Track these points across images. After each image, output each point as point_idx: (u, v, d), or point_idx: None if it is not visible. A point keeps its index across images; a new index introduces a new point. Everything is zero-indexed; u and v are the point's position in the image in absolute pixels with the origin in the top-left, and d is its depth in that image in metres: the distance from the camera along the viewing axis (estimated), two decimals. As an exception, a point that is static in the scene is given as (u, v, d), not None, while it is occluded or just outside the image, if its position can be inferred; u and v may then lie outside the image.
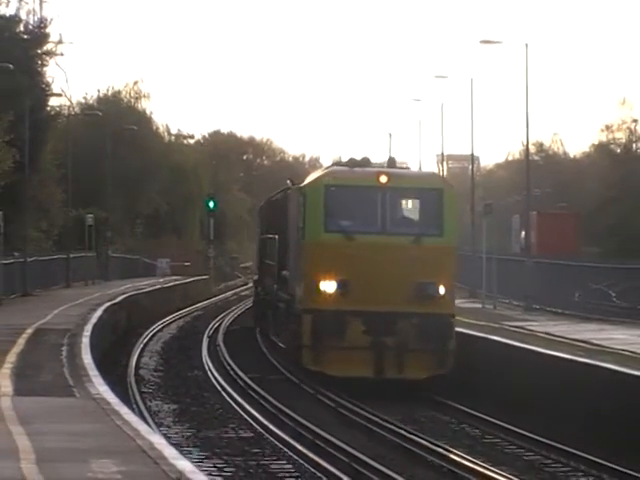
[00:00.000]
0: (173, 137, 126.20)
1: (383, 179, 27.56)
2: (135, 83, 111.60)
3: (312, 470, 24.22)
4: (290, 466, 24.56)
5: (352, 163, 30.03)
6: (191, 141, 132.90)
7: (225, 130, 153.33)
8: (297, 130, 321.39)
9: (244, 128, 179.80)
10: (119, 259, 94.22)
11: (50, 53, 73.58)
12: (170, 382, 40.48)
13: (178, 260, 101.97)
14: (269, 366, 43.58)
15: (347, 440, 26.90)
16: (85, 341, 37.06)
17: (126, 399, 29.02)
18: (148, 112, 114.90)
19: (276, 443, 26.97)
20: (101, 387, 27.27)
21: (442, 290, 27.59)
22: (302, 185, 30.97)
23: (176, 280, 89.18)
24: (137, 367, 43.04)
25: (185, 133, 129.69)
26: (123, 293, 65.62)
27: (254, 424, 30.28)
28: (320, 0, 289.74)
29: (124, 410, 23.94)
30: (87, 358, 31.97)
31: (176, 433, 27.73)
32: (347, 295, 26.35)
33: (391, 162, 32.21)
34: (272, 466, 24.71)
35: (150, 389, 38.18)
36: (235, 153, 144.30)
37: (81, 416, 22.69)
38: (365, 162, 31.14)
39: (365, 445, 26.69)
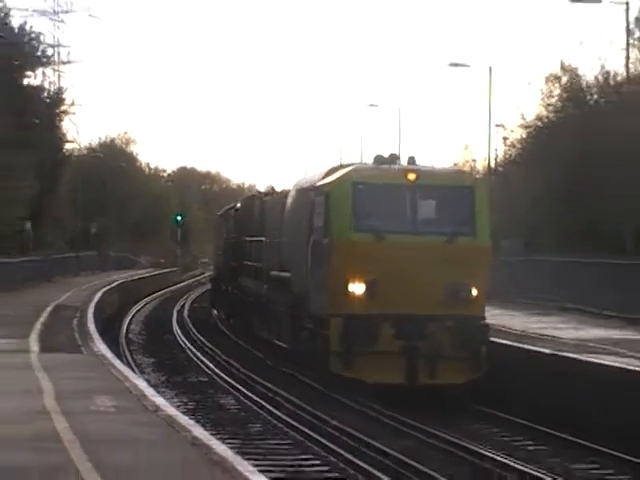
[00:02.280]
0: (152, 171, 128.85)
1: (411, 176, 21.07)
2: (125, 132, 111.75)
3: (249, 404, 23.77)
4: (234, 401, 24.39)
5: (379, 160, 23.51)
6: (164, 174, 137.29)
7: (189, 165, 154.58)
8: (240, 161, 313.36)
9: (202, 162, 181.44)
10: (113, 256, 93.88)
11: (65, 112, 73.88)
12: (149, 342, 40.18)
13: (155, 257, 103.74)
14: (221, 333, 42.70)
15: (280, 385, 26.00)
16: (90, 314, 36.99)
17: (118, 354, 29.16)
18: (135, 153, 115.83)
19: (225, 385, 26.76)
20: (101, 346, 27.36)
21: (475, 292, 20.84)
22: (321, 184, 23.28)
23: (154, 271, 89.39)
24: (127, 332, 42.08)
25: (160, 168, 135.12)
26: (116, 281, 63.98)
27: (209, 372, 30.25)
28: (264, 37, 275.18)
29: (117, 362, 24.17)
30: (91, 326, 32.16)
31: (154, 378, 27.55)
32: (377, 298, 20.11)
33: (411, 161, 23.64)
34: (221, 401, 24.76)
35: (135, 347, 37.71)
36: (196, 183, 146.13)
37: (87, 366, 23.25)
38: (392, 159, 23.94)
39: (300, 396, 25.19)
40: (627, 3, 53.45)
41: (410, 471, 14.68)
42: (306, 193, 25.04)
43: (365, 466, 15.36)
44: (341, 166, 26.10)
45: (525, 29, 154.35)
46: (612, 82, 49.72)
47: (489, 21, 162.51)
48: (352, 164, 26.93)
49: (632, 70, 49.16)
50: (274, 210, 31.15)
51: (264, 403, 23.65)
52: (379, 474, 14.71)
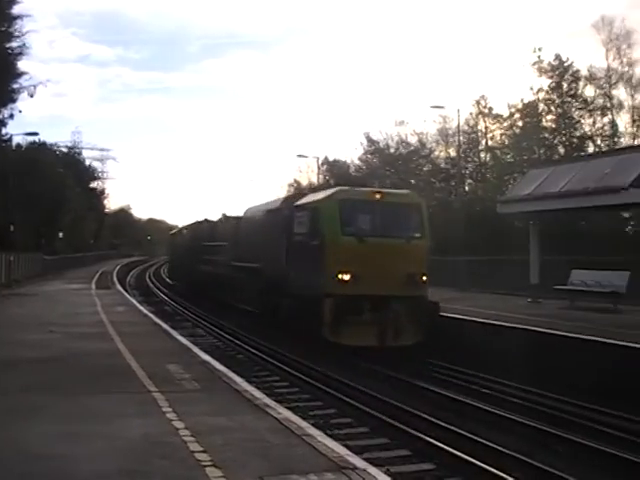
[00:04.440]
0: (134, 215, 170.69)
1: (378, 196, 24.04)
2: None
3: (180, 309, 40.31)
4: (170, 309, 40.62)
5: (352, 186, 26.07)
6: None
7: (158, 217, 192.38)
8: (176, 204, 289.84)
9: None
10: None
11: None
12: (137, 286, 60.33)
13: (141, 253, 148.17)
14: (171, 286, 59.96)
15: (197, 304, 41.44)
16: (114, 275, 60.48)
17: (125, 290, 46.12)
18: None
19: (171, 302, 44.50)
20: (119, 287, 45.97)
21: (424, 278, 23.64)
22: (304, 203, 25.93)
23: (140, 258, 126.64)
24: (128, 283, 61.65)
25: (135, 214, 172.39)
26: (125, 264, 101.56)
27: (162, 296, 49.26)
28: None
29: (125, 293, 41.48)
30: (115, 279, 54.19)
31: (139, 300, 40.06)
32: (359, 283, 22.60)
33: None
34: (166, 308, 40.73)
35: (132, 287, 57.94)
36: (157, 223, 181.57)
37: (114, 294, 38.91)
38: (361, 185, 28.67)
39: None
40: (458, 110, 65.46)
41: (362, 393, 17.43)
42: (279, 212, 28.09)
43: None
44: (298, 194, 31.00)
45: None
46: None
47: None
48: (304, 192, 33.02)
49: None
50: (230, 226, 37.89)
51: (187, 308, 39.48)
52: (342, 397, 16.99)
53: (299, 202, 26.51)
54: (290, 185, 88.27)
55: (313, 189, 31.65)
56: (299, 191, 50.78)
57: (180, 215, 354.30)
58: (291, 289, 25.40)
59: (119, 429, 9.40)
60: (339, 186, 26.01)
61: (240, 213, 37.47)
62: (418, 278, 23.53)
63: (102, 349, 17.11)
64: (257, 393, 12.23)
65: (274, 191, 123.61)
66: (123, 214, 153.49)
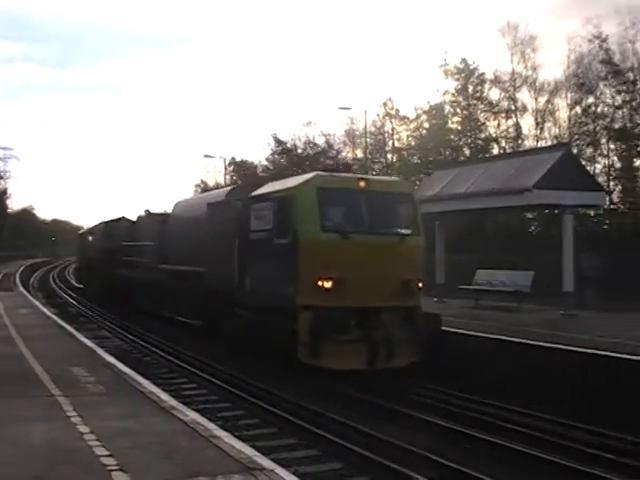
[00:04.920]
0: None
1: (362, 183, 19.44)
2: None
3: (84, 309, 40.63)
4: (74, 311, 40.42)
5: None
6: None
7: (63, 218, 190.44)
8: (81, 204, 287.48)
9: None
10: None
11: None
12: (41, 288, 61.00)
13: (45, 255, 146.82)
14: (78, 289, 57.98)
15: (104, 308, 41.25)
16: (17, 277, 61.35)
17: (29, 292, 47.55)
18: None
19: (74, 302, 45.56)
20: (22, 289, 47.54)
21: (420, 285, 19.42)
22: (273, 192, 20.82)
23: (44, 259, 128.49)
24: (32, 285, 63.32)
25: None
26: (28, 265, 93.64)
27: (68, 297, 50.23)
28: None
29: (29, 295, 42.83)
30: (18, 281, 54.96)
31: (43, 302, 41.08)
32: (343, 291, 18.10)
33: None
34: (70, 310, 40.76)
35: (36, 289, 59.02)
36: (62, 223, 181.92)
37: (17, 296, 40.28)
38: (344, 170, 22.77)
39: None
40: (365, 112, 66.86)
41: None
42: (226, 205, 23.82)
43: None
44: (250, 184, 25.48)
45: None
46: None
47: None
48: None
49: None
50: (155, 224, 33.66)
51: (93, 310, 39.49)
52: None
53: (258, 192, 21.68)
54: (197, 185, 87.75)
55: (273, 178, 26.54)
56: (245, 182, 48.52)
57: (86, 215, 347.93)
58: (246, 299, 20.98)
59: (22, 435, 9.21)
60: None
61: (166, 209, 35.46)
62: (414, 285, 19.22)
63: (5, 353, 16.92)
64: (164, 395, 12.16)
65: (181, 192, 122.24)
66: (26, 215, 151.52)
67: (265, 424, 14.71)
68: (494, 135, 55.38)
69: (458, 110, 58.01)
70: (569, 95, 49.83)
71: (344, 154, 66.03)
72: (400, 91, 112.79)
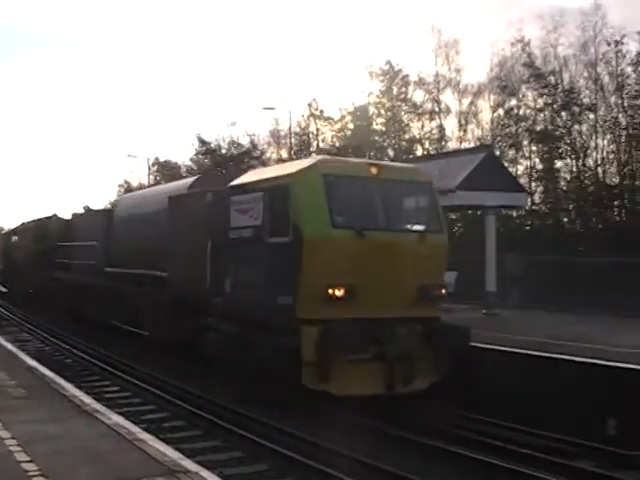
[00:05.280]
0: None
1: (374, 170, 16.07)
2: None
3: (8, 314, 39.16)
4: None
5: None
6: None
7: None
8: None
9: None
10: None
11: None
12: None
13: None
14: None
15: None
16: None
17: None
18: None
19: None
20: None
21: (443, 291, 16.30)
22: (263, 180, 16.99)
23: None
24: None
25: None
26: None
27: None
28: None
29: None
30: None
31: None
32: (356, 301, 14.70)
33: None
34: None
35: None
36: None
37: None
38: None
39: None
40: (290, 112, 66.78)
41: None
42: (194, 198, 20.51)
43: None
44: (213, 175, 21.22)
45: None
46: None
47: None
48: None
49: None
50: (98, 221, 30.49)
51: (17, 314, 38.28)
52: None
53: (239, 181, 17.97)
54: (120, 186, 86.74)
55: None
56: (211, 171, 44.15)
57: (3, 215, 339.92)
58: (225, 309, 17.56)
59: (-61, 441, 8.79)
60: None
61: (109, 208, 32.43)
62: (436, 291, 16.04)
63: None
64: (86, 399, 11.99)
65: (106, 192, 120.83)
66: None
67: (190, 426, 14.51)
68: (418, 136, 55.85)
69: (382, 111, 58.25)
70: (492, 97, 50.45)
71: (268, 154, 65.95)
72: (325, 92, 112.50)
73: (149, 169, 69.39)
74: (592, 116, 43.15)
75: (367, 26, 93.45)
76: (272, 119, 65.69)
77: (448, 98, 53.87)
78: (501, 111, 48.82)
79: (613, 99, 42.61)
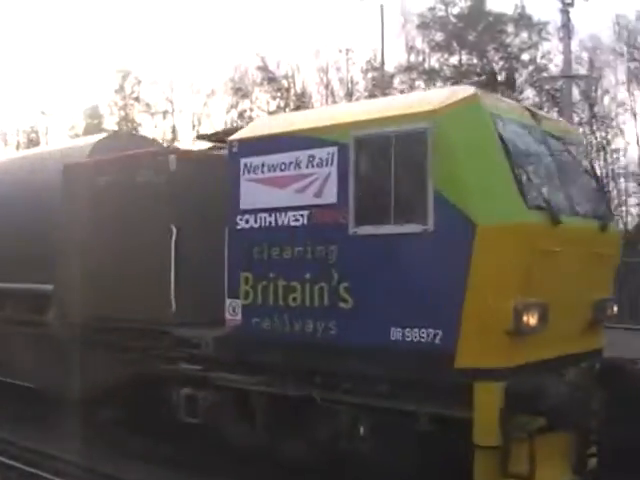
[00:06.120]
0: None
1: (535, 119, 8.95)
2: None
3: None
4: None
5: None
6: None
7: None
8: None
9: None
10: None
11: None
12: None
13: None
14: None
15: None
16: None
17: None
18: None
19: None
20: None
21: (615, 309, 9.27)
22: (381, 118, 8.37)
23: None
24: None
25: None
26: None
27: None
28: None
29: None
30: None
31: None
32: (546, 333, 7.68)
33: None
34: None
35: None
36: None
37: None
38: None
39: None
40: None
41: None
42: (148, 165, 11.44)
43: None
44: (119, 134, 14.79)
45: None
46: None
47: None
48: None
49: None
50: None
51: None
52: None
53: (266, 131, 10.07)
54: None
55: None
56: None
57: None
58: (244, 352, 9.95)
59: None
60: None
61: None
62: (609, 310, 9.71)
63: None
64: None
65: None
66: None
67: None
68: (152, 137, 56.13)
69: (115, 110, 57.91)
70: (225, 99, 51.57)
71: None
72: (56, 91, 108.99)
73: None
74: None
75: (102, 23, 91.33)
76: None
77: (182, 98, 54.23)
78: (234, 112, 50.04)
79: (344, 104, 45.11)
